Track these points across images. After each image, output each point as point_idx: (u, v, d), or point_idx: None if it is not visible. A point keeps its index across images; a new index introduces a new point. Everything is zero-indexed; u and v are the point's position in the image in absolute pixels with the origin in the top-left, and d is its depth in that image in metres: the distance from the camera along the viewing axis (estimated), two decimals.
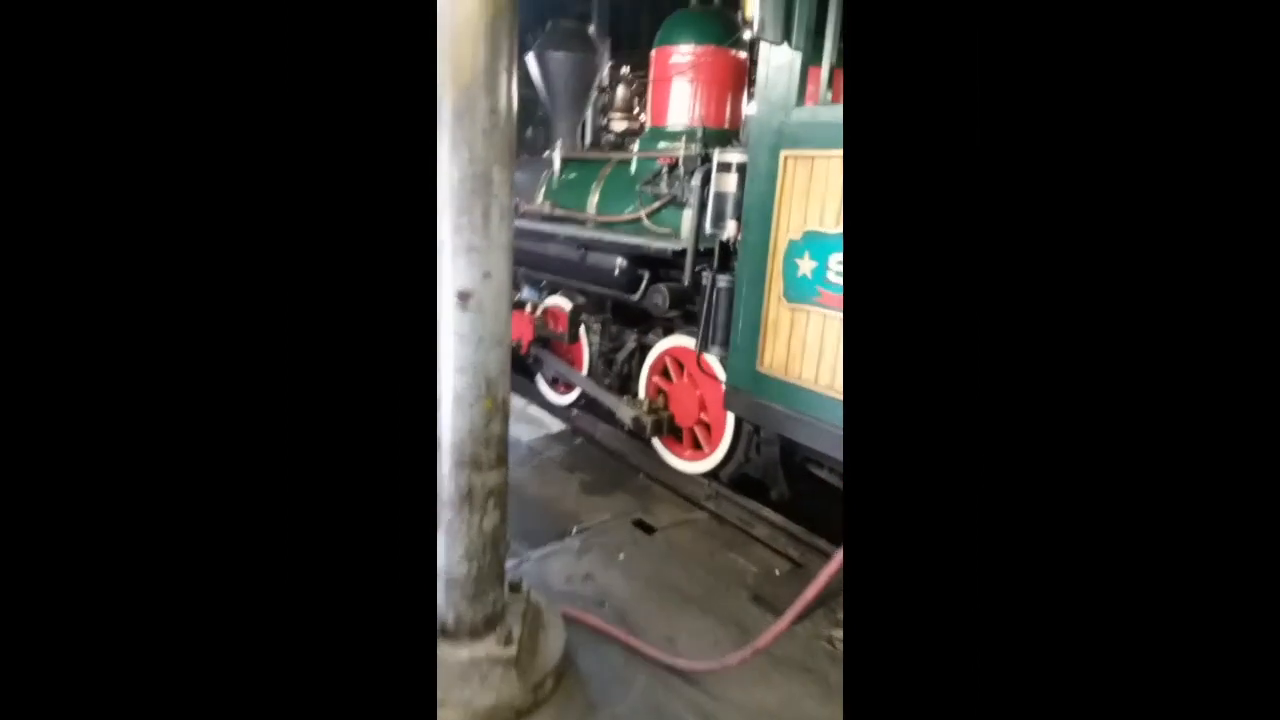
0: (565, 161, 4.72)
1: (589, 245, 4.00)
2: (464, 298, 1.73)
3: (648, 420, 3.64)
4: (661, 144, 4.04)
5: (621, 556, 3.16)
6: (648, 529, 3.37)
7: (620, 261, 3.82)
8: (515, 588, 2.33)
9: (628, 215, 3.94)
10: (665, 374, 3.91)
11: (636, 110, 4.86)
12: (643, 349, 4.27)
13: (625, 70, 4.73)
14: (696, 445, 3.75)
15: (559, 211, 4.60)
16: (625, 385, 4.33)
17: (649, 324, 4.24)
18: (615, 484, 3.82)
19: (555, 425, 4.78)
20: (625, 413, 3.81)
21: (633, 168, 4.18)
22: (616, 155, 4.48)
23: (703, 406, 3.61)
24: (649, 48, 4.28)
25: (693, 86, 3.95)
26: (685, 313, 3.63)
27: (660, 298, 3.47)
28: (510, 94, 1.67)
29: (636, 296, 3.83)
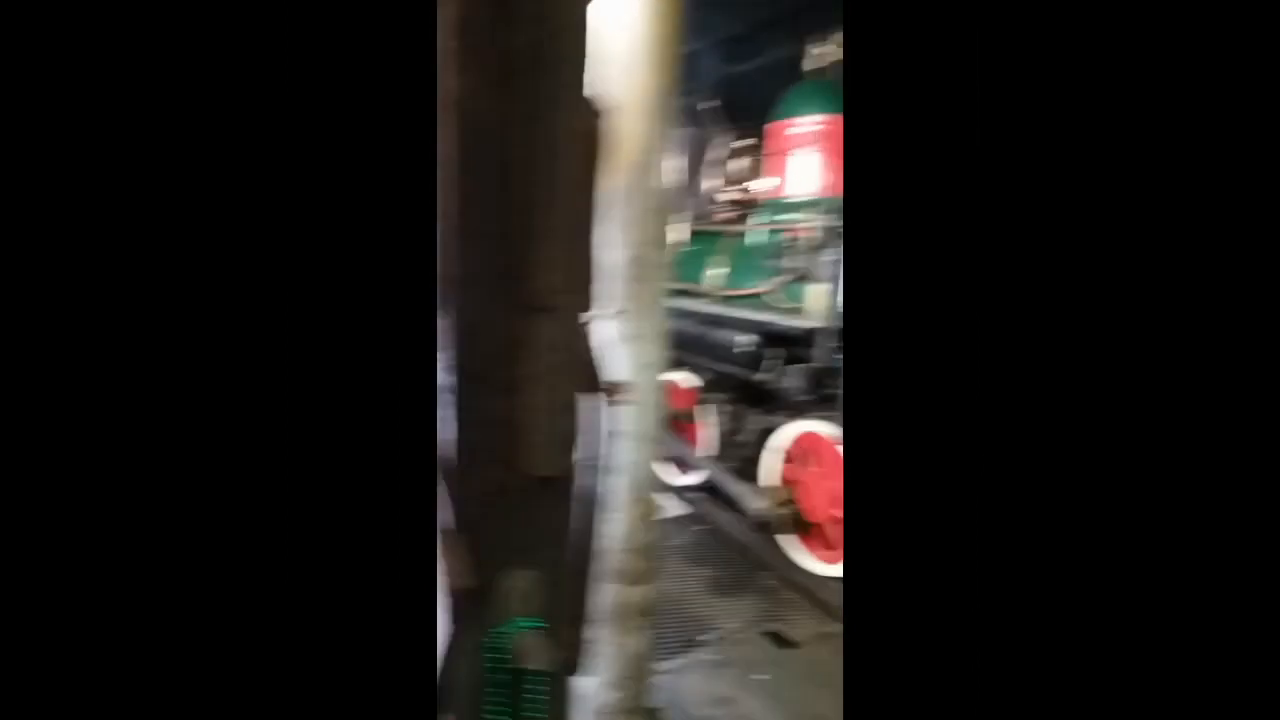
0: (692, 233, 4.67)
1: (711, 321, 3.82)
2: (620, 390, 1.56)
3: (778, 513, 3.31)
4: (781, 216, 3.88)
5: (763, 677, 2.79)
6: (785, 642, 2.98)
7: (745, 339, 3.61)
8: (653, 715, 2.03)
9: (750, 289, 3.76)
10: (795, 461, 3.59)
11: (745, 184, 4.77)
12: (764, 432, 3.98)
13: (738, 142, 4.67)
14: (829, 544, 3.35)
15: (675, 285, 4.49)
16: (748, 471, 4.03)
17: (773, 405, 3.96)
18: (742, 584, 3.46)
19: (674, 508, 4.51)
20: (753, 503, 3.49)
21: (750, 240, 4.03)
22: (733, 228, 4.37)
23: (837, 501, 3.23)
24: (759, 122, 4.22)
25: (820, 156, 3.80)
26: (820, 396, 3.34)
27: (793, 378, 3.21)
28: (664, 172, 1.55)
29: (763, 375, 3.58)
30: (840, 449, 3.17)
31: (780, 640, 2.99)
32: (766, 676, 2.72)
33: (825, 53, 3.92)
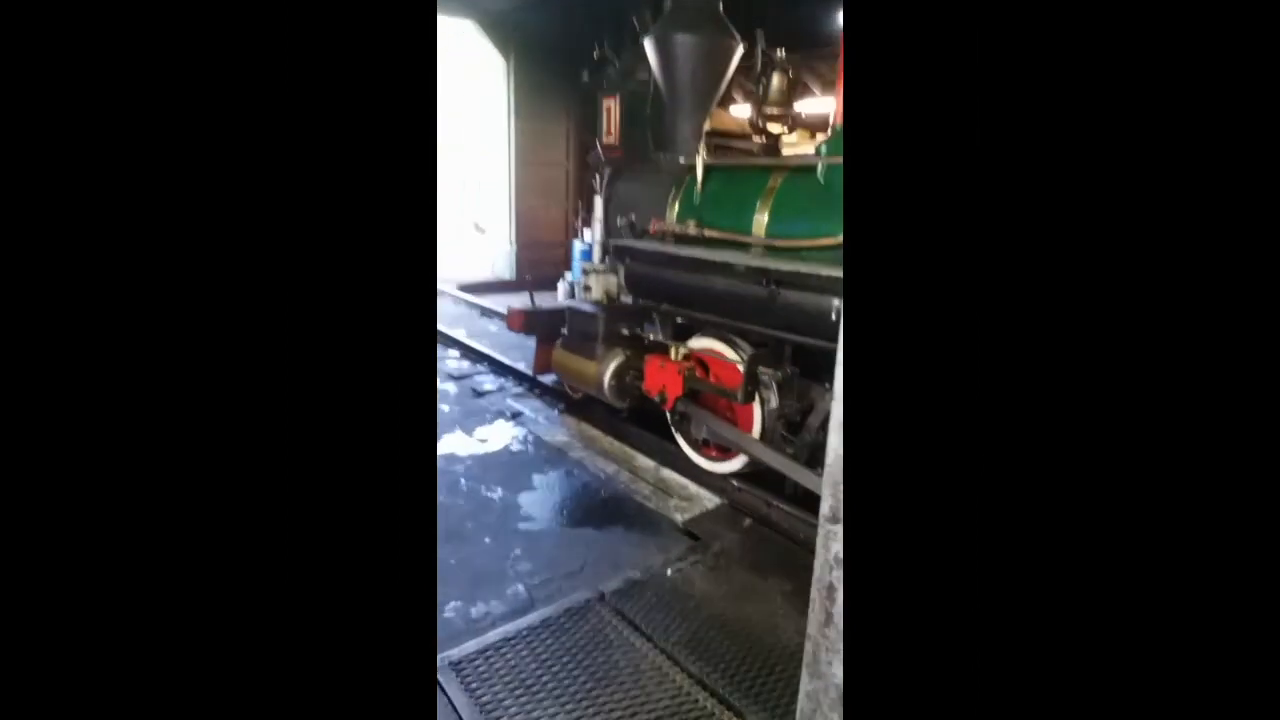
0: (709, 169, 3.81)
1: (783, 280, 3.07)
2: None
3: None
4: None
5: None
6: None
7: (837, 303, 2.90)
8: None
9: (823, 240, 3.03)
10: None
11: (793, 107, 3.95)
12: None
13: (780, 54, 3.82)
14: None
15: (711, 233, 3.68)
16: (815, 456, 3.40)
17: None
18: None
19: (708, 499, 3.86)
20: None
21: (820, 174, 3.27)
22: (791, 159, 3.57)
23: None
24: (802, 32, 3.38)
25: None
26: None
27: None
28: None
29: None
30: None
31: None
32: None
33: None
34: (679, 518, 3.61)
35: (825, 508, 1.31)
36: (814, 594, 1.37)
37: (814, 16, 6.54)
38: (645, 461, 4.28)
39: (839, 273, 2.81)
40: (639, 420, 4.54)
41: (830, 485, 1.29)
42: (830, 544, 1.30)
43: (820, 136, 4.06)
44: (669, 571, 3.13)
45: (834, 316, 2.91)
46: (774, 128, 3.83)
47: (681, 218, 3.83)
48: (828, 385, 3.35)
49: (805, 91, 9.68)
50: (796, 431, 3.44)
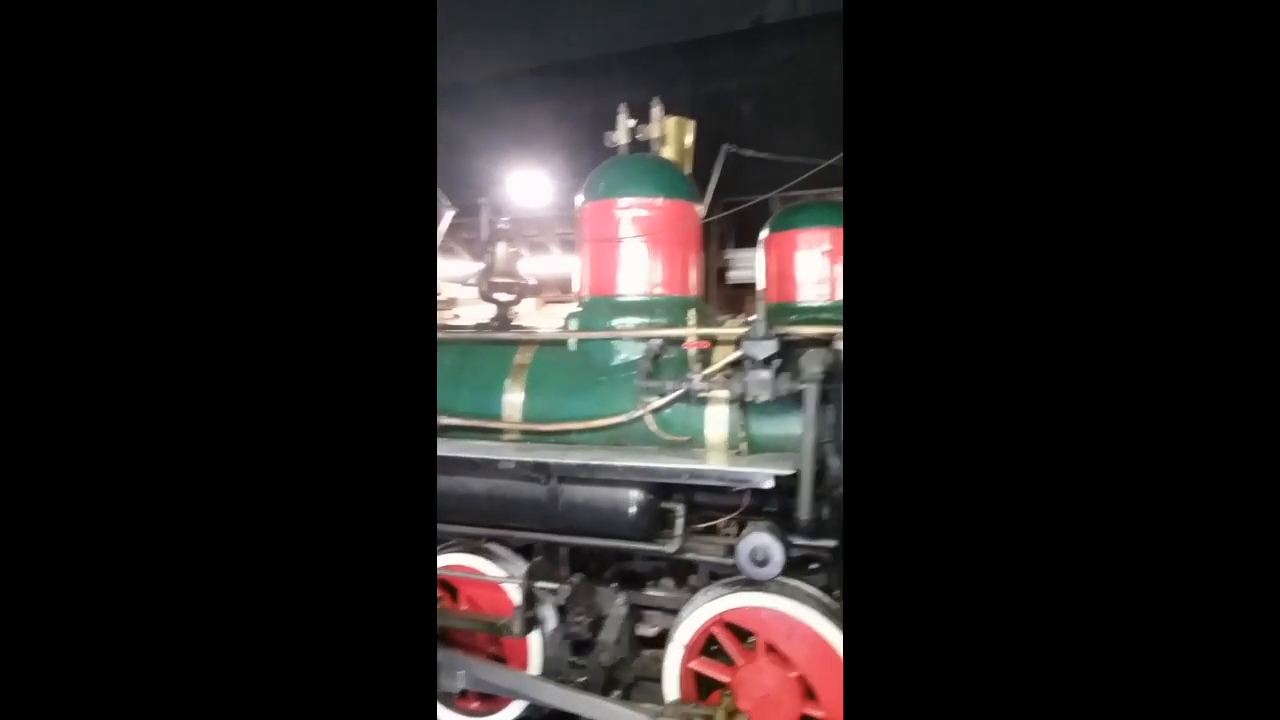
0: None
1: (567, 475, 2.55)
2: None
3: None
4: (619, 320, 2.98)
5: None
6: None
7: (637, 496, 2.50)
8: None
9: (624, 417, 2.69)
10: (713, 653, 2.59)
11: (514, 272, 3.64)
12: (635, 610, 2.86)
13: (503, 222, 3.53)
14: None
15: (449, 420, 2.99)
16: (615, 678, 2.79)
17: (647, 577, 2.90)
18: None
19: None
20: None
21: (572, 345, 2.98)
22: (539, 333, 3.20)
23: (806, 695, 2.41)
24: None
25: (650, 246, 3.05)
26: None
27: (773, 552, 2.27)
28: None
29: (673, 548, 2.52)
30: (796, 621, 2.38)
31: None
32: None
33: (636, 127, 3.25)
34: None
35: None
36: None
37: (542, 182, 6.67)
38: None
39: (633, 460, 2.45)
40: None
41: None
42: None
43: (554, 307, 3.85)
44: None
45: (632, 511, 2.50)
46: (501, 296, 3.46)
47: None
48: (615, 586, 2.86)
49: (543, 250, 9.90)
50: (586, 651, 2.80)
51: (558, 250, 10.39)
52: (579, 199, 3.20)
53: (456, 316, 4.95)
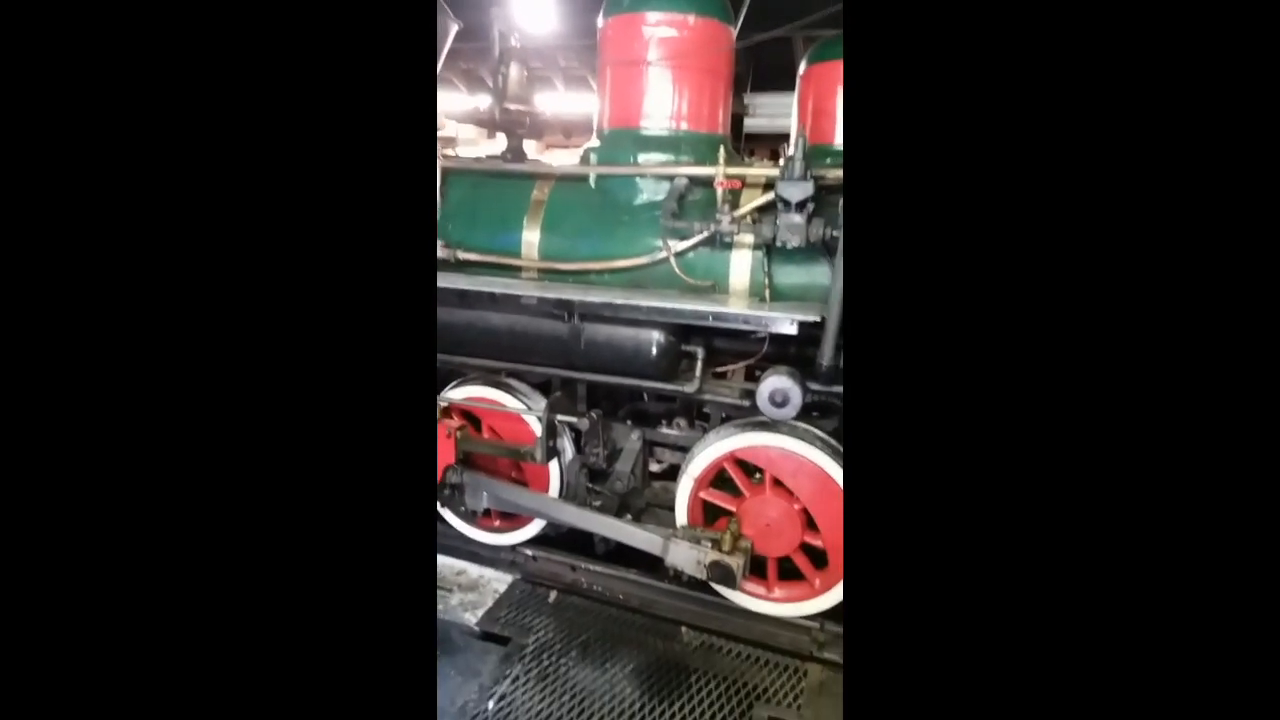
0: (446, 173, 3.06)
1: (589, 314, 2.56)
2: None
3: (736, 561, 2.48)
4: (644, 155, 2.82)
5: None
6: None
7: (659, 336, 2.52)
8: None
9: (646, 259, 2.64)
10: (720, 485, 2.77)
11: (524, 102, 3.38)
12: (648, 446, 3.01)
13: (516, 41, 3.22)
14: (785, 577, 2.73)
15: (467, 256, 2.94)
16: (627, 504, 3.00)
17: (660, 417, 3.00)
18: (673, 662, 2.55)
19: (496, 580, 3.13)
20: (686, 556, 2.56)
21: (598, 188, 2.85)
22: (556, 168, 3.04)
23: (807, 525, 2.61)
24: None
25: (678, 72, 2.81)
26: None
27: (793, 394, 2.33)
28: None
29: (692, 388, 2.59)
30: (803, 459, 2.52)
31: None
32: None
33: None
34: (470, 619, 2.83)
35: None
36: None
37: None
38: None
39: (658, 301, 2.44)
40: None
41: None
42: None
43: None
44: (490, 706, 2.38)
45: (654, 352, 2.53)
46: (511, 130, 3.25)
47: None
48: (629, 423, 2.98)
49: (548, 86, 9.16)
50: (602, 480, 2.99)
51: (562, 87, 9.66)
52: (600, 18, 2.90)
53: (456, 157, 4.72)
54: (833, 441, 2.55)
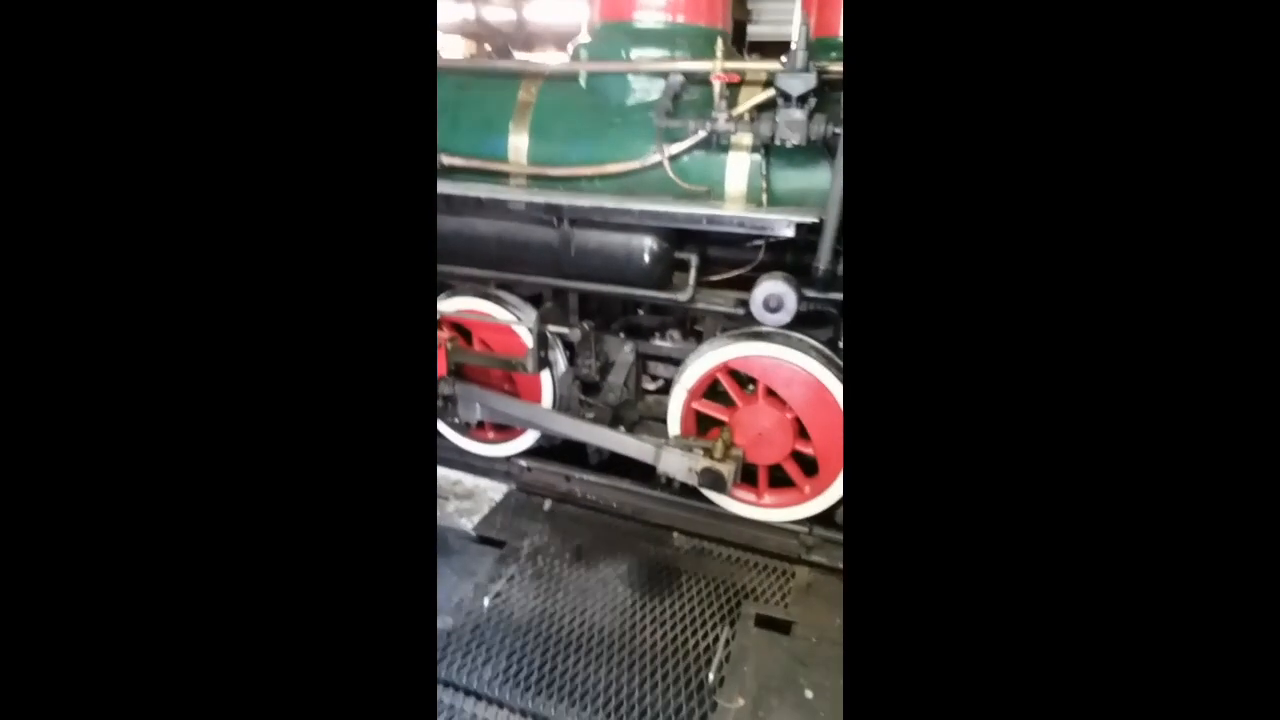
0: None
1: (579, 219, 2.47)
2: None
3: (727, 468, 2.51)
4: (637, 51, 2.66)
5: (809, 695, 2.13)
6: (780, 626, 2.36)
7: (651, 243, 2.45)
8: None
9: (638, 163, 2.53)
10: (713, 397, 2.76)
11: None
12: (641, 360, 2.99)
13: None
14: (775, 484, 2.77)
15: (451, 160, 2.82)
16: (620, 415, 3.01)
17: (653, 330, 2.96)
18: (664, 565, 2.63)
19: (491, 490, 3.19)
20: (678, 464, 2.58)
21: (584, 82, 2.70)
22: (543, 66, 2.87)
23: (799, 434, 2.62)
24: None
25: None
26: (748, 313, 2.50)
27: (787, 299, 2.28)
28: None
29: (685, 297, 2.53)
30: (796, 368, 2.50)
31: (776, 624, 2.36)
32: (810, 694, 2.09)
33: None
34: (467, 524, 2.89)
35: None
36: None
37: None
38: None
39: (650, 205, 2.35)
40: None
41: None
42: None
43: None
44: (486, 602, 2.46)
45: (646, 258, 2.46)
46: (493, 16, 3.04)
47: None
48: (622, 335, 2.95)
49: None
50: (594, 392, 2.99)
51: None
52: None
53: None
54: (827, 351, 2.53)
